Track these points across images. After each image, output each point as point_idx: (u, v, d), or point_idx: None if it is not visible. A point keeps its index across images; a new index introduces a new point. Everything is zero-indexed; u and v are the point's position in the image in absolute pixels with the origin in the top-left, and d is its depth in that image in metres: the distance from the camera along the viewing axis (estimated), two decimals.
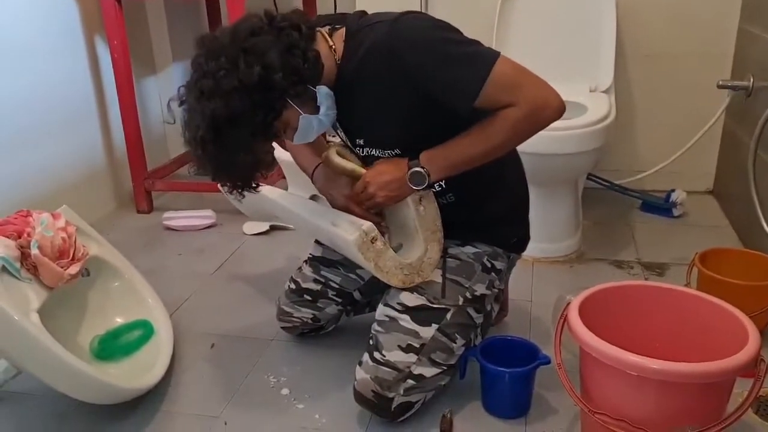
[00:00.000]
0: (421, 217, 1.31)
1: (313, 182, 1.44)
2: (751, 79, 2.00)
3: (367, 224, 1.26)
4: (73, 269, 1.42)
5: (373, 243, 1.26)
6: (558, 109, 1.19)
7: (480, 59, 1.17)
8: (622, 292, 1.31)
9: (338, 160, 1.32)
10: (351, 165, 1.32)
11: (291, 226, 2.25)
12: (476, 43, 1.19)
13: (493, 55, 1.17)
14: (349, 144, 1.36)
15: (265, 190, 1.52)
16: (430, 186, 1.27)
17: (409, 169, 1.24)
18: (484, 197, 1.37)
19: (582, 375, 1.21)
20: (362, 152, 1.34)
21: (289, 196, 1.51)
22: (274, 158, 1.23)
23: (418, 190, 1.26)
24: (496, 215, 1.40)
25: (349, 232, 1.25)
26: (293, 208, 1.44)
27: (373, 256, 1.26)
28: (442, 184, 1.33)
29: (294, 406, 1.40)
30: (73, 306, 1.54)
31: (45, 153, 2.16)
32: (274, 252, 2.13)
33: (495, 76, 1.15)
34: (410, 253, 1.33)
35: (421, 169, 1.23)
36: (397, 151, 1.29)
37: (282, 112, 1.17)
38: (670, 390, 1.08)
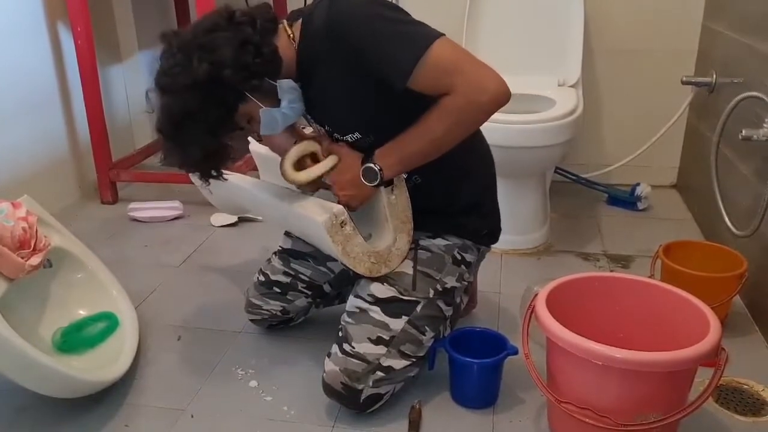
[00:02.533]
0: (392, 205, 1.31)
1: None
2: (714, 76, 2.04)
3: (337, 207, 1.25)
4: (35, 260, 1.38)
5: (342, 227, 1.25)
6: (497, 94, 1.14)
7: (417, 39, 1.13)
8: (588, 284, 1.33)
9: (294, 175, 1.28)
10: (312, 172, 1.29)
11: (260, 218, 2.24)
12: (417, 24, 1.17)
13: (431, 36, 1.14)
14: (320, 132, 1.36)
15: (235, 178, 1.51)
16: (383, 183, 1.26)
17: (362, 165, 1.24)
18: (451, 181, 1.37)
19: (549, 365, 1.23)
20: (333, 138, 1.33)
21: (259, 183, 1.50)
22: (232, 151, 1.26)
23: (373, 186, 1.26)
24: (465, 204, 1.40)
25: (318, 214, 1.25)
26: (262, 193, 1.42)
27: (341, 240, 1.25)
28: None
29: (262, 399, 1.39)
30: (34, 298, 1.50)
31: (5, 141, 2.10)
32: (242, 244, 2.11)
33: (431, 58, 1.12)
34: (379, 241, 1.33)
35: (373, 165, 1.23)
36: (357, 135, 1.28)
37: (238, 107, 1.20)
38: (633, 379, 1.10)
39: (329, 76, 1.22)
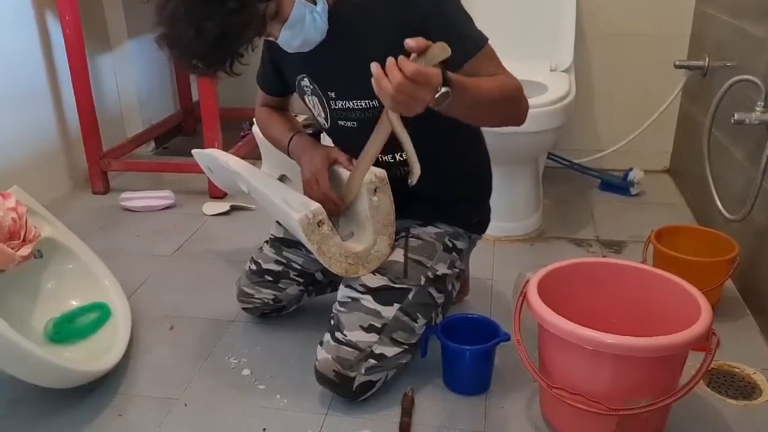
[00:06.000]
0: (374, 208, 1.30)
1: (289, 153, 1.43)
2: (707, 59, 2.04)
3: (315, 206, 1.24)
4: (24, 251, 1.38)
5: (319, 226, 1.24)
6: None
7: (477, 29, 1.21)
8: (580, 269, 1.33)
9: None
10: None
11: (252, 207, 2.23)
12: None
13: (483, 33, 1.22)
14: (319, 111, 1.35)
15: (232, 162, 1.51)
16: (446, 95, 1.03)
17: (446, 83, 1.03)
18: (451, 172, 1.37)
19: (540, 351, 1.23)
20: (333, 105, 1.32)
21: (252, 170, 1.49)
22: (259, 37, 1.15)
23: (436, 100, 1.03)
24: (460, 195, 1.41)
25: (295, 211, 1.24)
26: (252, 180, 1.42)
27: (317, 239, 1.25)
28: None
29: (255, 387, 1.39)
30: (25, 289, 1.50)
31: None
32: (235, 232, 2.10)
33: (488, 49, 1.20)
34: (359, 242, 1.32)
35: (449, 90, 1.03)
36: (375, 102, 1.26)
37: None
38: (624, 364, 1.10)
39: (370, 37, 1.20)
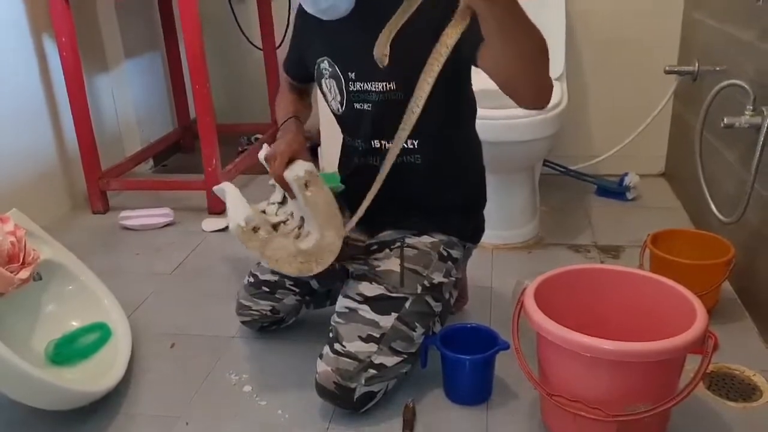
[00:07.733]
0: (310, 203, 1.28)
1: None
2: (696, 64, 2.05)
3: (246, 214, 1.25)
4: (24, 274, 1.38)
5: (255, 232, 1.24)
6: None
7: None
8: (577, 276, 1.33)
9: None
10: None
11: None
12: None
13: None
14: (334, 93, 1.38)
15: (228, 195, 1.51)
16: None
17: None
18: (446, 178, 1.39)
19: (539, 359, 1.23)
20: (352, 87, 1.34)
21: (235, 201, 1.50)
22: None
23: None
24: (454, 204, 1.42)
25: (232, 222, 1.24)
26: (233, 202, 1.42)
27: (256, 245, 1.24)
28: (414, 143, 1.33)
29: (256, 403, 1.40)
30: (26, 311, 1.50)
31: None
32: (234, 248, 2.10)
33: None
34: (308, 239, 1.30)
35: None
36: (392, 85, 1.28)
37: None
38: (622, 369, 1.11)
39: (419, 20, 1.17)
